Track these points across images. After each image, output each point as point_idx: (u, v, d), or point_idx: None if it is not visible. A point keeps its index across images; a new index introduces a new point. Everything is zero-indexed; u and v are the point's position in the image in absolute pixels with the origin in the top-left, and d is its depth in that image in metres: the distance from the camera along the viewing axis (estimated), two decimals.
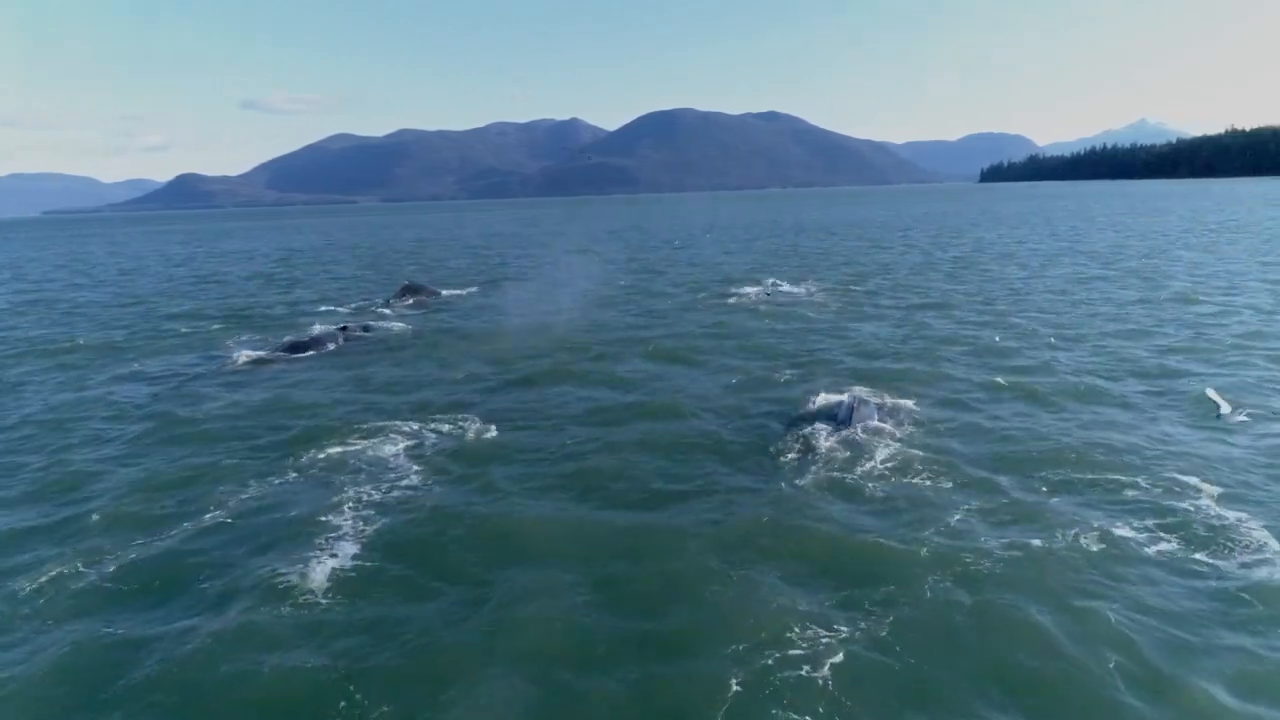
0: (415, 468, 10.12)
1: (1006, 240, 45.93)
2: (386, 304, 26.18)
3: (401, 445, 11.01)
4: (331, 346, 18.49)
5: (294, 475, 10.08)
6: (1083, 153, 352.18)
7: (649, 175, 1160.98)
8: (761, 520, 8.30)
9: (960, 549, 7.50)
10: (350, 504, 8.95)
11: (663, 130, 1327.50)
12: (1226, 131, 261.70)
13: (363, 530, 8.29)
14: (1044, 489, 8.95)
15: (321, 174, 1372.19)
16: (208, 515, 8.90)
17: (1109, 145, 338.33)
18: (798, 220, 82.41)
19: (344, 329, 20.19)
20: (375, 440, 11.25)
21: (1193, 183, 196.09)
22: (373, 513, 8.74)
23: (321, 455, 10.73)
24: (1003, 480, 9.21)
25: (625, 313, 22.95)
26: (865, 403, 11.73)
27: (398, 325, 21.48)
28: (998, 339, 16.83)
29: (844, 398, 12.11)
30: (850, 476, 9.42)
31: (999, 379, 13.75)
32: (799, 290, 26.14)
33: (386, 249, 58.58)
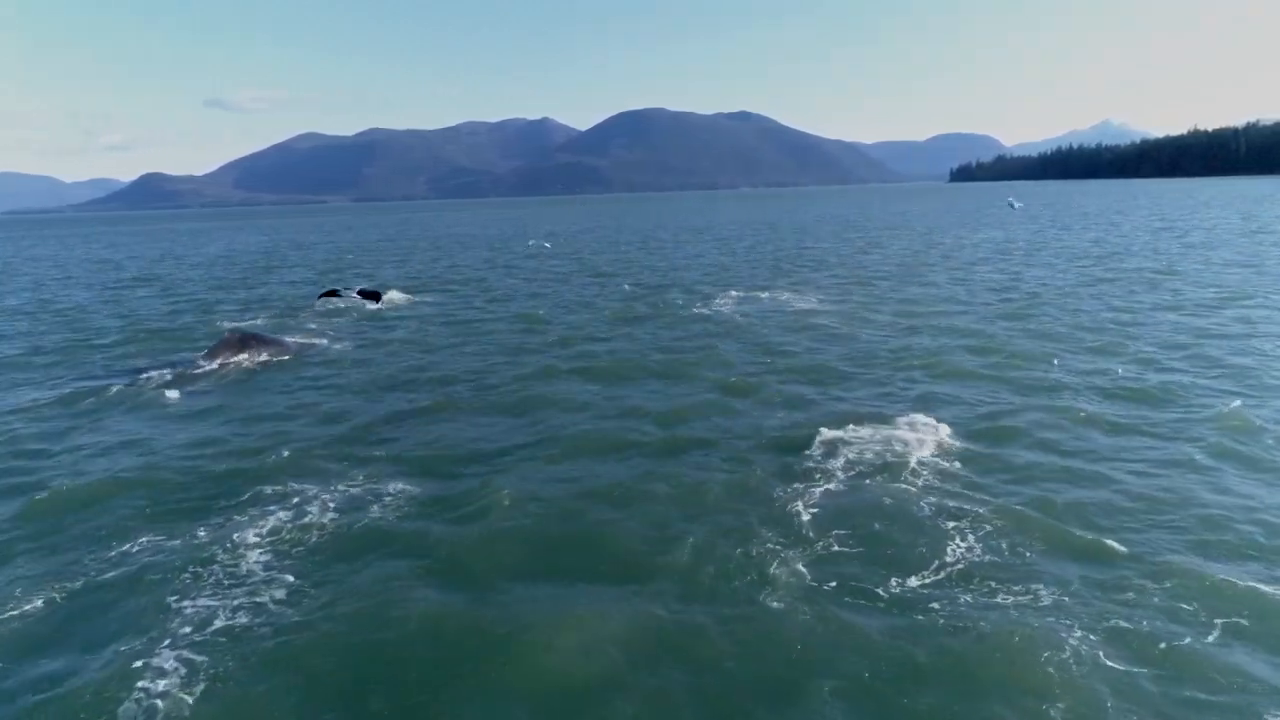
0: (287, 565, 7.06)
1: (1000, 239, 43.88)
2: (329, 312, 23.09)
3: (274, 523, 7.93)
4: (238, 366, 15.36)
5: (101, 577, 6.98)
6: (1049, 153, 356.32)
7: (622, 175, 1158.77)
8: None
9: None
10: (176, 637, 5.94)
11: (635, 130, 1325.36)
12: (1189, 132, 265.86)
13: (187, 696, 5.29)
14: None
15: (290, 174, 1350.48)
16: None
17: (1075, 145, 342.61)
18: (777, 220, 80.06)
19: (264, 346, 17.04)
20: (243, 511, 8.17)
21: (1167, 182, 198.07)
22: (206, 659, 5.72)
23: (158, 539, 7.64)
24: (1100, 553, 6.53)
25: (598, 315, 20.09)
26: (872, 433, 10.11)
27: (339, 343, 18.32)
28: (1056, 363, 13.88)
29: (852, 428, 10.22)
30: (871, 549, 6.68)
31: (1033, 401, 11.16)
32: (789, 297, 23.46)
33: (353, 249, 54.97)
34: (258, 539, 7.53)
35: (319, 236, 76.49)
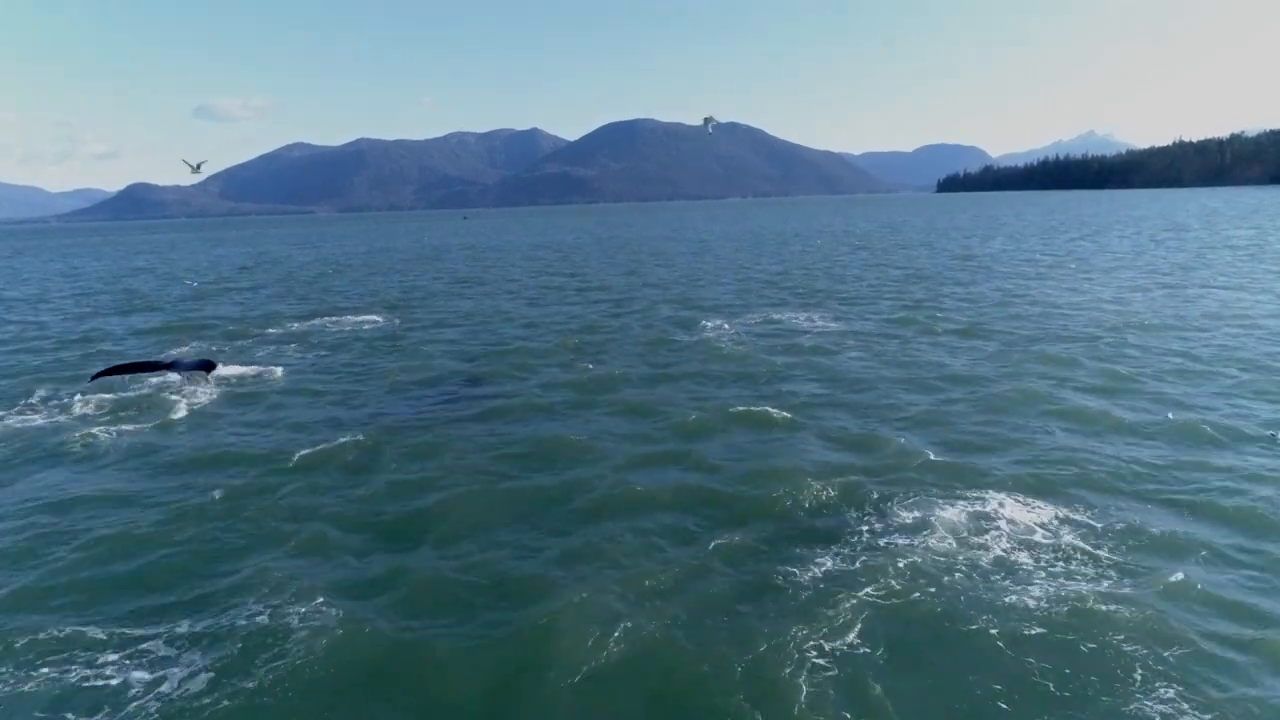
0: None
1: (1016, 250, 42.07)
2: (276, 337, 20.87)
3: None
4: (151, 399, 13.05)
5: None
6: (1036, 163, 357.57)
7: (610, 186, 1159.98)
8: None
9: None
10: None
11: (623, 140, 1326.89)
12: (1175, 143, 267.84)
13: None
14: None
15: (277, 183, 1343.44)
16: None
17: (1061, 156, 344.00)
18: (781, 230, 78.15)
19: (193, 374, 14.72)
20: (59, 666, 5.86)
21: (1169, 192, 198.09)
22: None
23: None
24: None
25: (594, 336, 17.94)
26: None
27: (276, 369, 16.08)
28: (1170, 415, 10.88)
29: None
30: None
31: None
32: (798, 319, 21.30)
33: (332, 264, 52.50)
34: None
35: (297, 249, 73.92)
